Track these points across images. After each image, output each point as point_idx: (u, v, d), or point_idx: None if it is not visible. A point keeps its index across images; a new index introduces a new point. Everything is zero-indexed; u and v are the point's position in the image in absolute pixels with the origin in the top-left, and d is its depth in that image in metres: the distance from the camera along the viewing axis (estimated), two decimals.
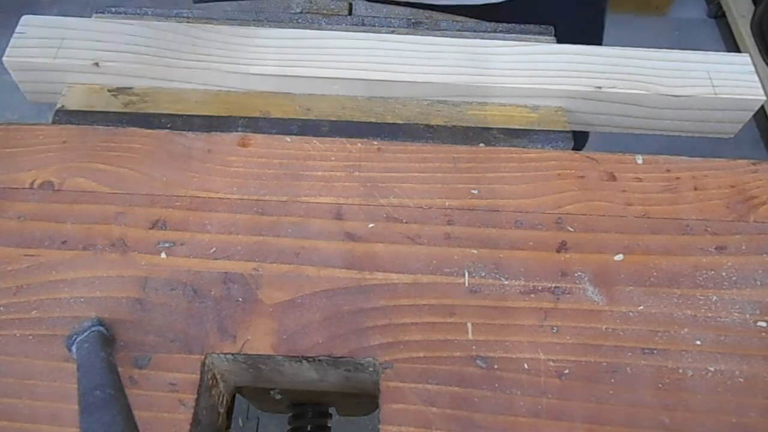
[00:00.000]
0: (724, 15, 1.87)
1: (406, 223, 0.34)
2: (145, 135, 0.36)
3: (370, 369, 0.31)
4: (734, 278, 0.33)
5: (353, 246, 0.33)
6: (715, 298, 0.32)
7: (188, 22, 0.45)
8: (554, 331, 0.31)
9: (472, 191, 0.35)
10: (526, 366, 0.30)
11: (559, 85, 0.39)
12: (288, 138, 0.37)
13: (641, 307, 0.32)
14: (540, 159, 0.36)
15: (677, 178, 0.36)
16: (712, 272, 0.33)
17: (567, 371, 0.30)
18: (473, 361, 0.30)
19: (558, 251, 0.33)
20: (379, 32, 0.43)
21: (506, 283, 0.32)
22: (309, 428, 0.48)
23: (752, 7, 1.78)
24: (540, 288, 0.32)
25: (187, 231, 0.33)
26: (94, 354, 0.26)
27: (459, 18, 0.48)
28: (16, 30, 0.40)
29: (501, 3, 0.53)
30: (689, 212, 0.35)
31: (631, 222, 0.34)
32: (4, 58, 0.39)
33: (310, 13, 0.47)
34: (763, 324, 0.31)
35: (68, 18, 0.40)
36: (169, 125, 0.38)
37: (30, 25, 0.40)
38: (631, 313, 0.31)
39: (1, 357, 0.29)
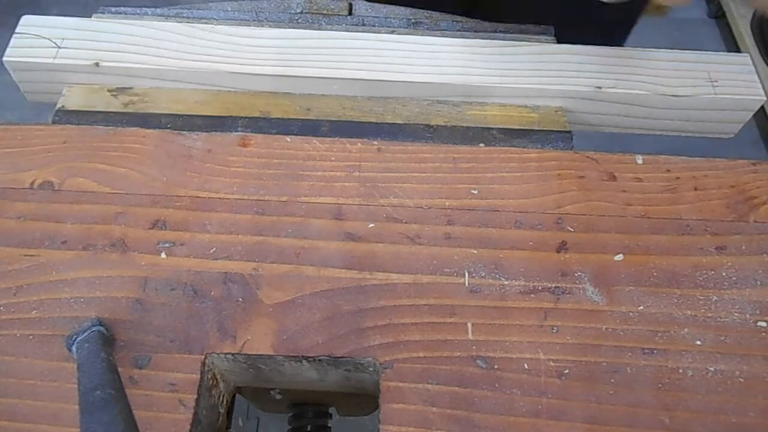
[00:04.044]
0: (724, 15, 1.87)
1: (406, 223, 0.34)
2: (145, 135, 0.36)
3: (371, 369, 0.31)
4: (734, 278, 0.33)
5: (353, 246, 0.33)
6: (715, 298, 0.32)
7: (188, 22, 0.45)
8: (554, 331, 0.31)
9: (472, 191, 0.35)
10: (526, 366, 0.30)
11: (559, 85, 0.39)
12: (288, 138, 0.37)
13: (641, 307, 0.32)
14: (540, 159, 0.36)
15: (677, 178, 0.36)
16: (712, 272, 0.33)
17: (567, 371, 0.30)
18: (473, 361, 0.30)
19: (558, 251, 0.33)
20: (379, 32, 0.43)
21: (506, 283, 0.32)
22: (309, 428, 0.48)
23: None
24: (540, 288, 0.32)
25: (187, 231, 0.33)
26: (94, 354, 0.26)
27: (459, 18, 0.48)
28: (16, 30, 0.40)
29: None
30: (689, 212, 0.35)
31: (631, 222, 0.34)
32: (4, 58, 0.39)
33: (309, 13, 0.47)
34: (763, 324, 0.31)
35: (68, 18, 0.40)
36: (169, 125, 0.38)
37: (30, 25, 0.40)
38: (631, 313, 0.31)
39: (1, 357, 0.29)
